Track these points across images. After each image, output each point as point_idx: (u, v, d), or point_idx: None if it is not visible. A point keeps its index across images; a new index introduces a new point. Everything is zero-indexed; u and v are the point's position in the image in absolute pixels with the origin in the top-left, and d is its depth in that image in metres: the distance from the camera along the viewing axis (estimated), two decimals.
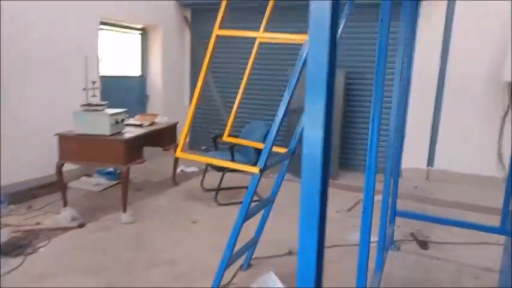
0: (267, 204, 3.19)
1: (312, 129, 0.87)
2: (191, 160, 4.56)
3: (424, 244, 3.91)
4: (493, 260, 3.45)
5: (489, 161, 5.81)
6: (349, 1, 2.74)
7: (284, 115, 2.50)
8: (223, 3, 2.46)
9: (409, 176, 6.15)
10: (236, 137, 4.29)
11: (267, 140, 2.55)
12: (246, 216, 2.63)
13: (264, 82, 6.81)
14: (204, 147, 6.91)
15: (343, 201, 5.08)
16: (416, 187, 5.81)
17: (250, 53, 3.14)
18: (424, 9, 5.74)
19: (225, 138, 3.40)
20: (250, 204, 2.61)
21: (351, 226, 4.28)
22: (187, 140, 7.10)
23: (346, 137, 6.48)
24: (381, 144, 6.76)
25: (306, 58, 2.39)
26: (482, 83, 5.72)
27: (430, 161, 6.21)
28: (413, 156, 6.16)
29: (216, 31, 2.43)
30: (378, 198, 5.30)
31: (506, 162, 5.67)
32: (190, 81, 7.70)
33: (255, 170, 2.55)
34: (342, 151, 6.38)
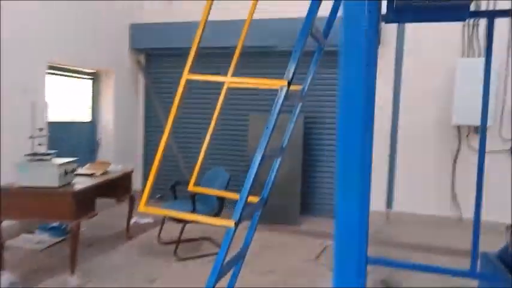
0: (238, 259, 2.94)
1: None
2: (152, 213, 4.24)
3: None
4: None
5: (444, 202, 5.98)
6: (319, 47, 2.74)
7: (261, 161, 2.36)
8: (194, 46, 2.33)
9: (369, 219, 6.15)
10: (197, 184, 4.07)
11: (243, 189, 2.36)
12: (219, 276, 2.37)
13: (223, 127, 6.70)
14: (159, 196, 6.54)
15: (308, 249, 4.92)
16: (377, 231, 5.80)
17: (218, 98, 3.02)
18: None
19: (191, 188, 3.17)
20: (223, 262, 2.37)
21: (321, 275, 4.10)
22: (140, 187, 6.70)
23: (307, 182, 6.43)
24: None
25: (282, 103, 2.31)
26: (433, 128, 6.01)
27: (389, 203, 6.29)
28: (372, 200, 6.19)
29: (186, 75, 2.28)
30: None
31: (460, 201, 5.88)
32: (144, 128, 7.41)
33: (230, 223, 2.34)
34: (302, 196, 6.30)
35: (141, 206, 2.53)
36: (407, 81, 6.05)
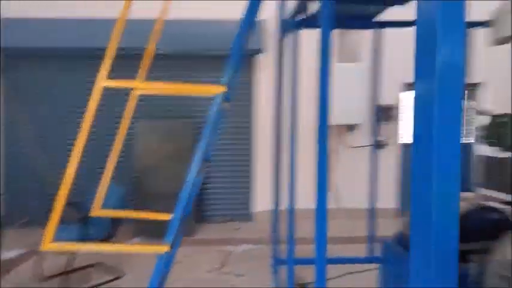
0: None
1: None
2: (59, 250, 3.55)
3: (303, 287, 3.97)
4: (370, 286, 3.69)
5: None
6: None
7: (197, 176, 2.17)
8: (112, 46, 2.01)
9: (261, 219, 6.33)
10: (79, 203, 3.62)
11: (177, 207, 2.14)
12: None
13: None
14: (23, 221, 5.59)
15: (211, 258, 4.80)
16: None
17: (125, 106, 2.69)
18: (258, 63, 6.24)
19: (97, 212, 2.75)
20: None
21: (229, 283, 4.04)
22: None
23: (201, 188, 6.29)
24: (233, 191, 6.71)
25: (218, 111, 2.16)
26: (314, 127, 6.48)
27: (277, 202, 6.55)
28: (260, 200, 6.43)
29: (102, 81, 1.94)
30: (244, 247, 5.23)
31: (341, 193, 6.49)
32: (4, 140, 6.22)
33: (164, 248, 2.09)
34: (194, 203, 6.13)
35: (46, 244, 2.08)
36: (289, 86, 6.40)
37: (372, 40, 4.04)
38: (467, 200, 2.87)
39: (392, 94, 6.53)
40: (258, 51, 6.09)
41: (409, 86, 6.70)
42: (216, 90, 2.02)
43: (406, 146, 6.86)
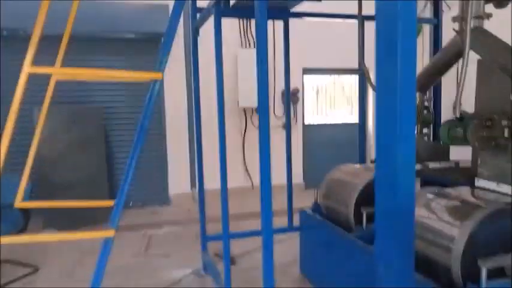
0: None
1: None
2: None
3: (231, 261, 4.22)
4: (291, 254, 4.08)
5: (238, 174, 6.81)
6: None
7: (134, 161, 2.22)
8: (37, 29, 1.92)
9: (178, 201, 6.41)
10: None
11: (120, 195, 2.18)
12: None
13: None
14: None
15: (132, 243, 4.77)
16: (189, 210, 6.11)
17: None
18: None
19: (22, 204, 2.61)
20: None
21: (158, 264, 4.12)
22: None
23: (114, 175, 6.10)
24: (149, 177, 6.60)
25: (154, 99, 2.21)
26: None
27: (193, 183, 6.67)
28: (178, 183, 6.49)
29: (28, 68, 1.85)
30: (165, 230, 5.31)
31: (251, 172, 6.85)
32: None
33: (110, 233, 2.13)
34: (111, 190, 5.95)
35: None
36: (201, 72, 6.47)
37: (279, 28, 4.32)
38: (371, 169, 3.37)
39: (295, 78, 7.03)
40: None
41: (309, 71, 7.27)
42: (154, 76, 2.07)
43: (310, 126, 7.48)
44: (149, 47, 6.10)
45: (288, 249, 4.28)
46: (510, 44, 2.74)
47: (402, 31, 1.21)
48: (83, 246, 4.42)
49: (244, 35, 6.70)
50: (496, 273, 2.04)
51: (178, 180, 6.55)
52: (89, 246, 4.55)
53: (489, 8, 2.95)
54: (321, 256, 3.51)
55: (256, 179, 6.89)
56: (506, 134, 2.58)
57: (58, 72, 2.16)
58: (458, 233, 2.11)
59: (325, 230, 3.42)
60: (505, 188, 2.48)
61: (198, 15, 3.71)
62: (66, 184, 5.20)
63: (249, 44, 6.71)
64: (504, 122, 2.58)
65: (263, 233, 2.32)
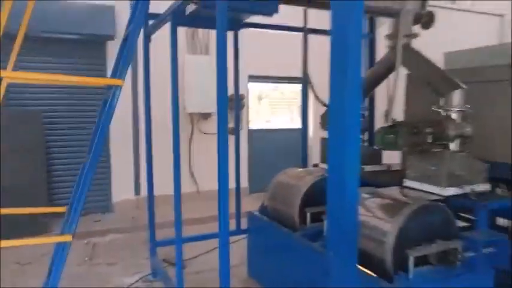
0: None
1: None
2: None
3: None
4: (238, 257, 4.21)
5: (184, 180, 6.81)
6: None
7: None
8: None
9: (122, 209, 6.30)
10: None
11: (77, 201, 2.20)
12: None
13: None
14: None
15: (76, 251, 4.63)
16: (133, 217, 6.03)
17: None
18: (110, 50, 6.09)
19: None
20: None
21: (104, 272, 4.07)
22: None
23: (53, 181, 5.87)
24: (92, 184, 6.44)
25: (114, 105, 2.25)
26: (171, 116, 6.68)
27: (137, 190, 6.59)
28: (122, 189, 6.39)
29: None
30: (110, 237, 5.23)
31: (197, 177, 6.91)
32: None
33: (67, 238, 2.15)
34: (50, 199, 5.72)
35: None
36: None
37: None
38: (314, 172, 3.62)
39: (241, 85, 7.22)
40: (110, 37, 5.94)
41: (253, 78, 7.49)
42: (114, 82, 2.13)
43: (254, 131, 7.70)
44: (93, 49, 5.98)
45: (234, 252, 4.40)
46: (432, 61, 3.13)
47: (351, 44, 1.39)
48: (23, 257, 4.24)
49: (191, 41, 6.77)
50: (423, 261, 2.35)
51: (122, 188, 6.44)
52: (29, 256, 4.38)
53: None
54: (268, 256, 3.69)
55: (203, 184, 6.96)
56: (429, 140, 2.95)
57: (10, 76, 2.14)
58: (389, 228, 2.39)
59: (272, 230, 3.61)
60: (428, 187, 2.83)
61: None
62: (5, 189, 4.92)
63: (196, 50, 6.80)
64: (428, 130, 2.94)
65: (220, 234, 2.45)
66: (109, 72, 6.20)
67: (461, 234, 2.53)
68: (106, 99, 2.22)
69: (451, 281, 2.35)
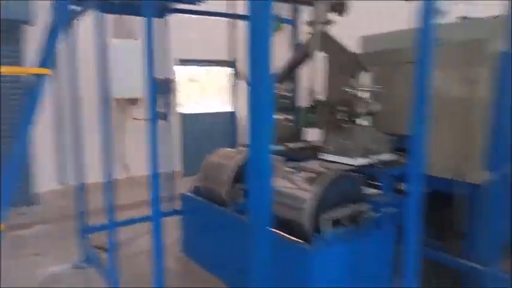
0: None
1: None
2: None
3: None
4: (170, 237, 4.26)
5: (115, 165, 6.70)
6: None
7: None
8: None
9: (48, 199, 6.07)
10: None
11: (4, 191, 2.18)
12: None
13: None
14: None
15: (2, 245, 4.44)
16: (60, 206, 5.84)
17: None
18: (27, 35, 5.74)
19: None
20: None
21: (37, 264, 3.97)
22: None
23: None
24: None
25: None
26: (96, 101, 6.47)
27: (63, 178, 6.35)
28: (47, 179, 6.15)
29: None
30: (36, 229, 5.07)
31: (128, 163, 6.83)
32: None
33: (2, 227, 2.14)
34: None
35: None
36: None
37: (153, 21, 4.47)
38: (244, 152, 3.83)
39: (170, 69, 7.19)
40: (26, 22, 5.58)
41: (181, 62, 7.48)
42: (42, 72, 2.12)
43: (186, 115, 7.72)
44: (6, 34, 5.60)
45: (169, 233, 4.50)
46: (344, 46, 3.44)
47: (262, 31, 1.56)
48: None
49: (116, 25, 6.58)
50: (337, 224, 2.67)
51: (47, 177, 6.19)
52: None
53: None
54: (202, 234, 3.86)
55: (135, 171, 6.90)
56: (343, 117, 3.27)
57: None
58: (308, 196, 2.68)
59: (204, 208, 3.78)
60: (342, 159, 3.17)
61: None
62: None
63: (122, 34, 6.62)
64: (341, 108, 3.26)
65: (153, 216, 2.57)
66: (25, 58, 5.90)
67: (369, 198, 2.90)
68: (31, 88, 2.19)
69: (360, 238, 2.71)
